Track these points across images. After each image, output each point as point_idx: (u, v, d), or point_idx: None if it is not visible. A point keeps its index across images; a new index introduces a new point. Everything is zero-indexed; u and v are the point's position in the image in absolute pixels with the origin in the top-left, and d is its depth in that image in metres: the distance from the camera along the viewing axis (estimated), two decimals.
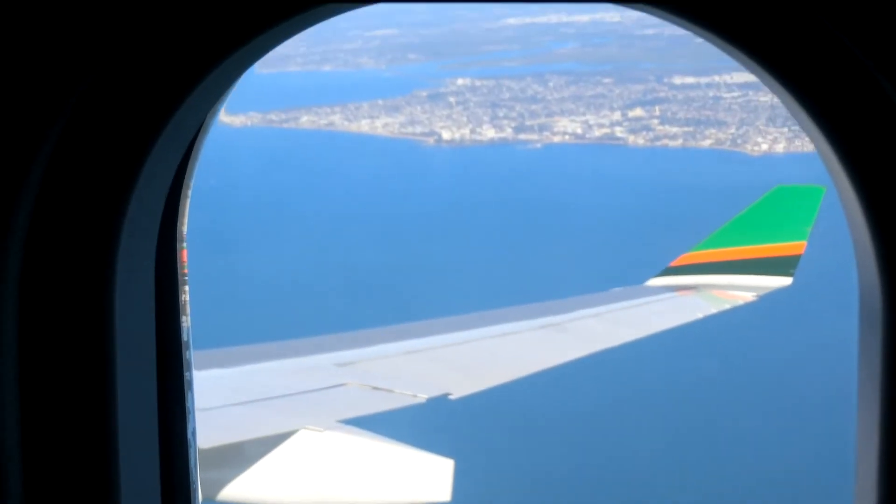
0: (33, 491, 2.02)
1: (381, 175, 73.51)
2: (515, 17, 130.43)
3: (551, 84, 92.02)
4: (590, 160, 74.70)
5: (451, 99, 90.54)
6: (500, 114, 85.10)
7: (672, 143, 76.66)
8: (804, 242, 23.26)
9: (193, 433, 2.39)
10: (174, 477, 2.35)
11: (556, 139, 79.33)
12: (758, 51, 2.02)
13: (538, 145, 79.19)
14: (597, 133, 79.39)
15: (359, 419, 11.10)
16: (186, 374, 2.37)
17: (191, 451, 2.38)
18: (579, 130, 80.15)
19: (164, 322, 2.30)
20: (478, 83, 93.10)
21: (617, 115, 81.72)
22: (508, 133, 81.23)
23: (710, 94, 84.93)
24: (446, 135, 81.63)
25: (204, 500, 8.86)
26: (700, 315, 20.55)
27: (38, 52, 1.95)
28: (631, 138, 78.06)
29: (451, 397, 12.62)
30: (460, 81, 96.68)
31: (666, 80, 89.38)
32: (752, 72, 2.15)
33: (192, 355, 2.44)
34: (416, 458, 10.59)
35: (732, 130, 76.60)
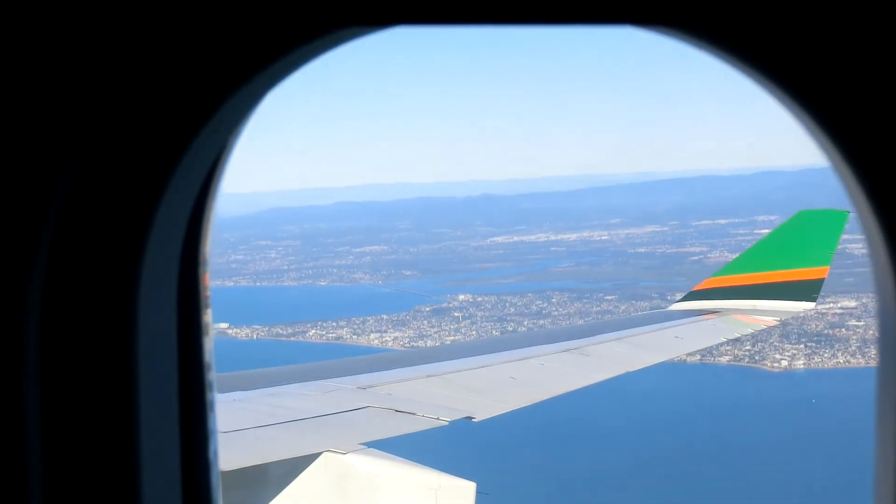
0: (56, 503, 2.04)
1: None
2: (502, 235, 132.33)
3: (554, 300, 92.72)
4: None
5: (457, 314, 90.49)
6: (509, 327, 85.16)
7: (690, 360, 76.43)
8: (827, 267, 23.02)
9: (215, 454, 2.37)
10: (196, 498, 2.32)
11: None
12: (783, 75, 2.02)
13: None
14: None
15: (381, 442, 11.00)
16: (209, 394, 2.36)
17: (213, 471, 2.36)
18: None
19: (186, 343, 2.29)
20: (479, 298, 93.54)
21: None
22: None
23: None
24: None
25: None
26: (723, 339, 20.42)
27: (57, 80, 1.99)
28: None
29: (474, 420, 12.65)
30: (462, 297, 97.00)
31: (669, 297, 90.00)
32: (773, 95, 2.10)
33: (215, 377, 2.42)
34: (439, 481, 10.43)
35: (748, 347, 76.66)
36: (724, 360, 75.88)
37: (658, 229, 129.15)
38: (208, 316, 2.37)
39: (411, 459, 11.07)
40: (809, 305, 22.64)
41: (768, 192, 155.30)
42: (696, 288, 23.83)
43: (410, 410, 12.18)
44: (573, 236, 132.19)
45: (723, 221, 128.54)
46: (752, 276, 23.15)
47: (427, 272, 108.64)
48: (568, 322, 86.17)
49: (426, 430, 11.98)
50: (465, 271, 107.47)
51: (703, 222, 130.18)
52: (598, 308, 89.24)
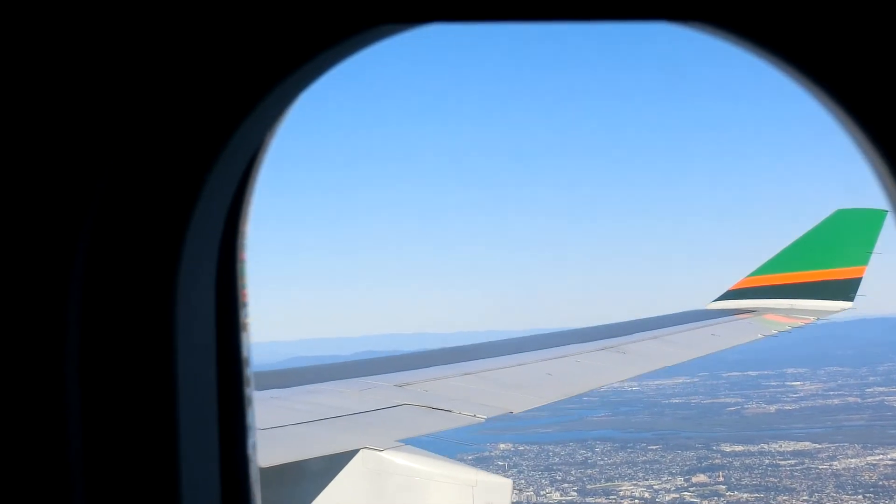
0: (97, 499, 2.04)
1: None
2: (531, 408, 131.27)
3: (598, 449, 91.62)
4: None
5: (501, 462, 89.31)
6: (558, 477, 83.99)
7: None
8: (864, 267, 22.33)
9: (254, 448, 2.38)
10: (235, 492, 2.33)
11: (626, 503, 77.91)
12: (823, 75, 1.97)
13: None
14: (666, 498, 78.09)
15: (418, 439, 11.04)
16: (247, 390, 2.37)
17: (251, 465, 2.37)
18: (647, 495, 78.87)
19: (224, 339, 2.31)
20: (521, 448, 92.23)
21: (680, 481, 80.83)
22: (574, 496, 79.73)
23: (766, 461, 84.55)
24: (513, 497, 79.81)
25: None
26: (758, 337, 19.92)
27: (95, 79, 2.00)
28: (704, 503, 76.78)
29: (513, 413, 12.79)
30: (503, 446, 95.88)
31: (715, 447, 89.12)
32: (812, 93, 2.05)
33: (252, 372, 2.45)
34: (476, 477, 10.48)
35: (805, 497, 75.61)
36: None
37: (688, 381, 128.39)
38: (246, 312, 2.38)
39: (448, 456, 11.22)
40: (847, 305, 22.23)
41: (795, 346, 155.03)
42: (732, 287, 23.50)
43: (447, 408, 12.33)
44: (603, 386, 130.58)
45: (753, 374, 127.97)
46: (788, 276, 22.96)
47: (459, 421, 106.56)
48: (615, 472, 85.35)
49: (463, 427, 12.25)
50: (501, 420, 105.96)
51: (733, 374, 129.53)
52: (645, 458, 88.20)
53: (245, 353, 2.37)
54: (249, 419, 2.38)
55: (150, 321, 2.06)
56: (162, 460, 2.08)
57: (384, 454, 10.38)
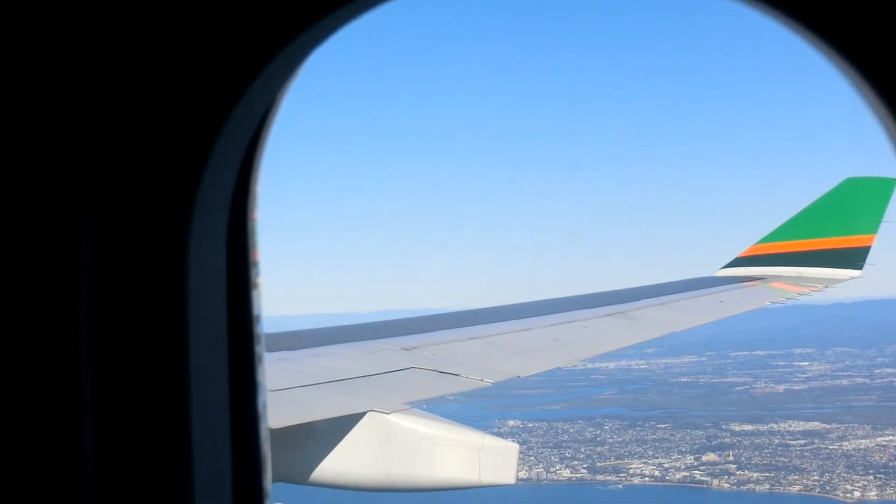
0: (106, 455, 2.06)
1: None
2: (537, 372, 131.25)
3: (607, 427, 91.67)
4: (681, 502, 73.03)
5: (510, 439, 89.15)
6: (568, 454, 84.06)
7: (759, 489, 75.42)
8: (874, 235, 22.33)
9: (264, 406, 2.38)
10: (245, 450, 2.33)
11: (636, 481, 77.99)
12: (833, 34, 1.91)
13: (619, 486, 77.61)
14: (676, 476, 78.16)
15: (425, 402, 11.02)
16: (257, 348, 2.36)
17: (261, 424, 2.37)
18: (657, 473, 78.94)
19: (236, 297, 2.31)
20: (530, 425, 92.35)
21: (690, 459, 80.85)
22: (584, 474, 79.84)
23: (776, 441, 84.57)
24: (521, 473, 79.97)
25: (274, 480, 9.36)
26: (766, 304, 19.75)
27: (104, 40, 2.00)
28: (714, 482, 76.80)
29: (520, 377, 12.74)
30: (511, 423, 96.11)
31: (724, 426, 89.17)
32: (825, 55, 1.98)
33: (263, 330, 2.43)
34: (482, 441, 10.46)
35: (816, 477, 75.62)
36: (795, 489, 74.80)
37: (696, 359, 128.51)
38: (258, 272, 2.38)
39: (455, 420, 11.16)
40: (856, 273, 22.19)
41: (801, 326, 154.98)
42: (741, 254, 23.52)
43: (454, 371, 12.25)
44: (611, 365, 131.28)
45: (760, 353, 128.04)
46: (797, 244, 22.95)
47: (470, 397, 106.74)
48: (624, 450, 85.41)
49: (470, 391, 12.20)
50: (509, 397, 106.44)
51: (741, 353, 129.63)
52: (654, 436, 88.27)
53: (256, 311, 2.36)
54: (260, 377, 2.38)
55: (161, 278, 2.07)
56: (172, 416, 2.09)
57: (391, 417, 10.36)
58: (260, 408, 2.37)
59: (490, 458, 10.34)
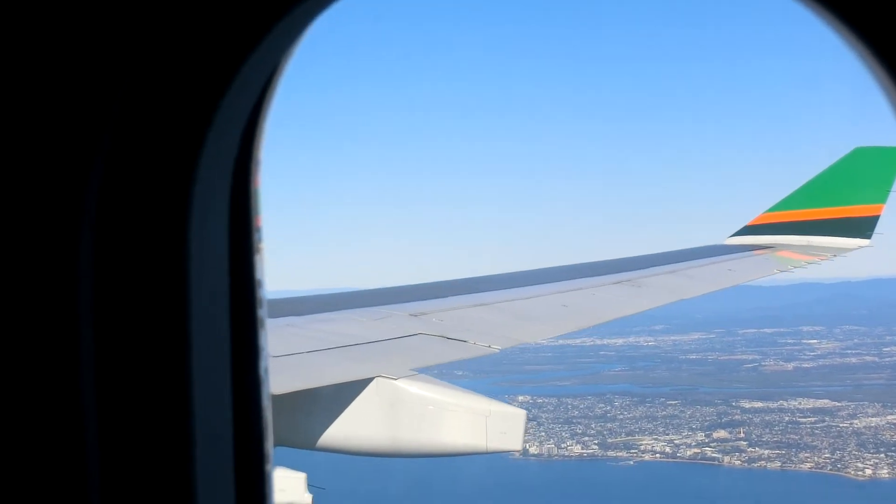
0: (108, 416, 2.07)
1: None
2: (546, 339, 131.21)
3: (617, 403, 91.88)
4: (692, 479, 73.24)
5: None
6: (578, 430, 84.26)
7: (770, 466, 75.61)
8: (883, 205, 22.37)
9: (266, 371, 2.36)
10: (247, 413, 2.33)
11: (647, 457, 78.20)
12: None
13: (631, 462, 77.87)
14: (688, 453, 78.37)
15: (433, 368, 11.03)
16: (259, 311, 2.35)
17: (263, 388, 2.35)
18: (668, 449, 79.14)
19: (237, 260, 2.30)
20: (540, 400, 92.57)
21: (700, 436, 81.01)
22: (595, 450, 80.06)
23: (786, 418, 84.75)
24: (533, 449, 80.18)
25: (278, 445, 9.46)
26: (774, 273, 20.00)
27: (101, 5, 2.00)
28: (726, 459, 77.00)
29: (528, 343, 12.86)
30: (521, 398, 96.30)
31: (734, 403, 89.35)
32: (833, 27, 1.96)
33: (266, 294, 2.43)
34: (489, 407, 10.46)
35: (827, 455, 75.80)
36: (806, 466, 75.02)
37: (704, 336, 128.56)
38: (260, 237, 2.38)
39: (463, 386, 11.17)
40: (864, 242, 22.18)
41: (809, 305, 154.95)
42: (750, 223, 23.56)
43: (462, 338, 12.16)
44: (619, 341, 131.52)
45: (769, 331, 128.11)
46: (806, 213, 22.82)
47: (479, 373, 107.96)
48: (634, 426, 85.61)
49: (478, 358, 12.21)
50: (518, 373, 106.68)
51: (749, 331, 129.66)
52: (664, 413, 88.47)
53: (259, 276, 2.36)
54: (262, 341, 2.37)
55: (163, 243, 2.07)
56: (173, 380, 2.09)
57: (398, 383, 10.37)
58: (262, 372, 2.36)
59: (497, 424, 10.34)
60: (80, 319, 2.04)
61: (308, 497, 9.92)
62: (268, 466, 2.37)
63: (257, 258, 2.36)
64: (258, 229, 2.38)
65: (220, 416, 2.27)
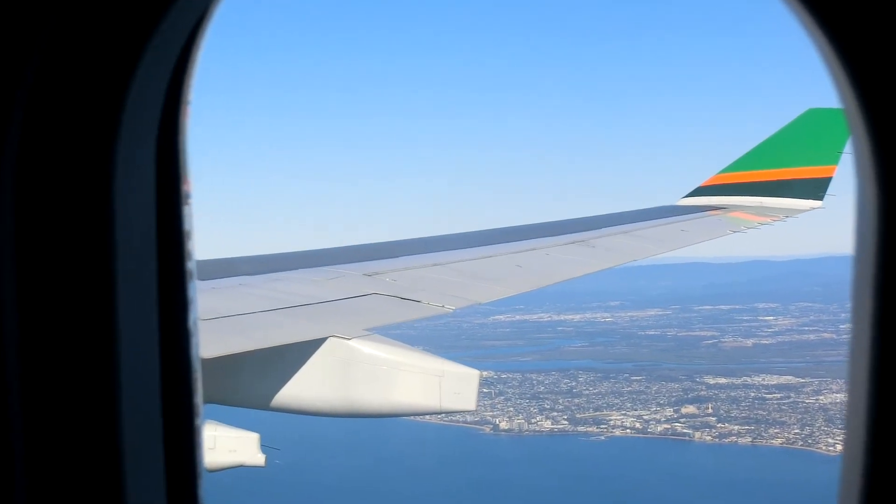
0: (31, 364, 2.04)
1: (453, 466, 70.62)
2: (504, 314, 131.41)
3: (581, 379, 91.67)
4: (665, 455, 73.12)
5: (486, 389, 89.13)
6: (546, 405, 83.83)
7: (742, 441, 75.69)
8: (835, 167, 22.76)
9: (195, 323, 2.34)
10: (175, 366, 2.30)
11: (618, 433, 77.92)
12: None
13: (602, 437, 77.54)
14: (658, 428, 78.21)
15: (386, 328, 11.00)
16: (188, 263, 2.32)
17: (192, 340, 2.33)
18: (638, 425, 78.93)
19: (165, 209, 2.25)
20: (504, 376, 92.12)
21: (669, 412, 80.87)
22: (566, 425, 79.64)
23: (752, 394, 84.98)
24: (503, 424, 79.59)
25: (233, 405, 9.94)
26: (728, 232, 20.16)
27: None
28: (697, 434, 76.98)
29: (480, 303, 12.91)
30: (485, 373, 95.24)
31: (698, 379, 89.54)
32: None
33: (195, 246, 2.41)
34: (443, 367, 10.48)
35: (797, 430, 76.05)
36: (777, 442, 75.23)
37: (661, 313, 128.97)
38: (188, 184, 2.30)
39: (416, 346, 11.14)
40: (816, 204, 22.43)
41: (763, 282, 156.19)
42: (703, 184, 23.71)
43: (416, 298, 12.13)
44: (576, 317, 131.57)
45: (724, 307, 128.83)
46: (759, 173, 23.13)
47: (439, 347, 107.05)
48: (602, 402, 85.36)
49: (431, 318, 12.23)
50: (478, 348, 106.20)
51: (705, 307, 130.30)
52: (630, 388, 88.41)
53: (187, 226, 2.27)
54: (191, 293, 2.30)
55: (87, 185, 2.00)
56: (98, 329, 2.03)
57: (352, 342, 10.25)
58: (191, 325, 2.28)
59: (451, 384, 10.31)
60: (2, 265, 1.96)
61: (261, 457, 9.99)
62: (197, 420, 2.29)
63: (186, 208, 2.27)
64: (187, 178, 2.29)
65: (147, 369, 2.19)
